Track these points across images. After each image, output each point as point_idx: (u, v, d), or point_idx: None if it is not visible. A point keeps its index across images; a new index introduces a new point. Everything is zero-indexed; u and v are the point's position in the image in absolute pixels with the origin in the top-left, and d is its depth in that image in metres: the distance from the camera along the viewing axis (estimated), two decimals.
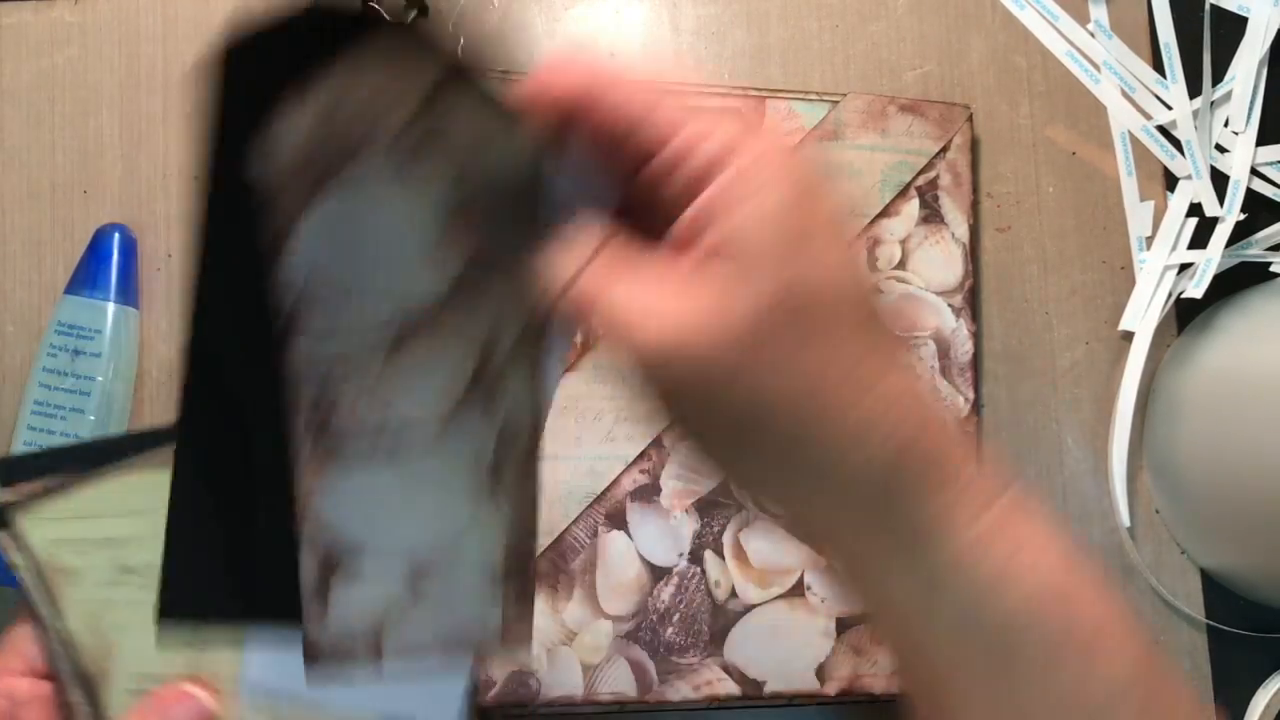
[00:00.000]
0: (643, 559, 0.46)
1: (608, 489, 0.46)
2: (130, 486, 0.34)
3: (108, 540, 0.35)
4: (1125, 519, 0.52)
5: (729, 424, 0.26)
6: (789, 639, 0.47)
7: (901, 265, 0.50)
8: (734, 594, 0.47)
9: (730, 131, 0.26)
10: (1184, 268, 0.53)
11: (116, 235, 0.46)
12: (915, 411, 0.26)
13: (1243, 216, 0.53)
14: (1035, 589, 0.26)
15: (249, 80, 0.25)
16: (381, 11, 0.27)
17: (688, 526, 0.47)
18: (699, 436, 0.27)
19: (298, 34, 0.25)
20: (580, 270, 0.27)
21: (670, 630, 0.46)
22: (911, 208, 0.50)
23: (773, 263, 0.25)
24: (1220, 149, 0.55)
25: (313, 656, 0.29)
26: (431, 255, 0.27)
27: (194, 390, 0.28)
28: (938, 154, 0.50)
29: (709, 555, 0.47)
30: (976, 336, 0.51)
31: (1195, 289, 0.51)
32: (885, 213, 0.50)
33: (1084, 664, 0.26)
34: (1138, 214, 0.54)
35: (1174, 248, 0.54)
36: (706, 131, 0.26)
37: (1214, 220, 0.53)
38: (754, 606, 0.47)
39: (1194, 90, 0.54)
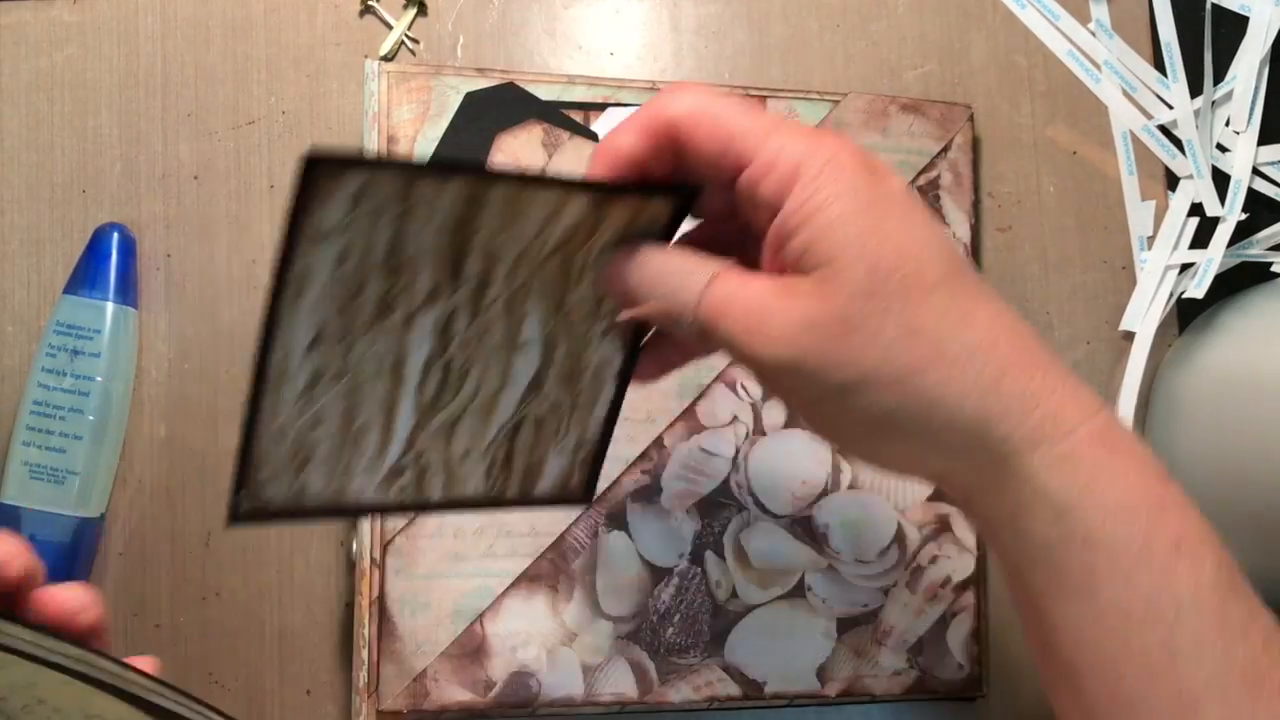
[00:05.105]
0: (643, 559, 0.46)
1: (608, 489, 0.46)
2: None
3: None
4: None
5: (838, 406, 0.29)
6: (789, 639, 0.47)
7: None
8: (734, 594, 0.47)
9: (801, 141, 0.29)
10: (1185, 267, 0.53)
11: (115, 235, 0.46)
12: (998, 353, 0.29)
13: (1244, 216, 0.53)
14: (1113, 507, 0.29)
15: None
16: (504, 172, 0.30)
17: (688, 527, 0.47)
18: (815, 414, 0.31)
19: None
20: (706, 287, 0.30)
21: (671, 631, 0.46)
22: None
23: (853, 254, 0.28)
24: (1221, 148, 0.55)
25: None
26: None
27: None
28: (939, 154, 0.50)
29: (710, 556, 0.47)
30: None
31: (1196, 289, 0.51)
32: None
33: (1161, 575, 0.28)
34: (1139, 214, 0.54)
35: (1175, 247, 0.53)
36: (783, 143, 0.29)
37: (1215, 220, 0.53)
38: (754, 607, 0.47)
39: (1195, 89, 0.54)
